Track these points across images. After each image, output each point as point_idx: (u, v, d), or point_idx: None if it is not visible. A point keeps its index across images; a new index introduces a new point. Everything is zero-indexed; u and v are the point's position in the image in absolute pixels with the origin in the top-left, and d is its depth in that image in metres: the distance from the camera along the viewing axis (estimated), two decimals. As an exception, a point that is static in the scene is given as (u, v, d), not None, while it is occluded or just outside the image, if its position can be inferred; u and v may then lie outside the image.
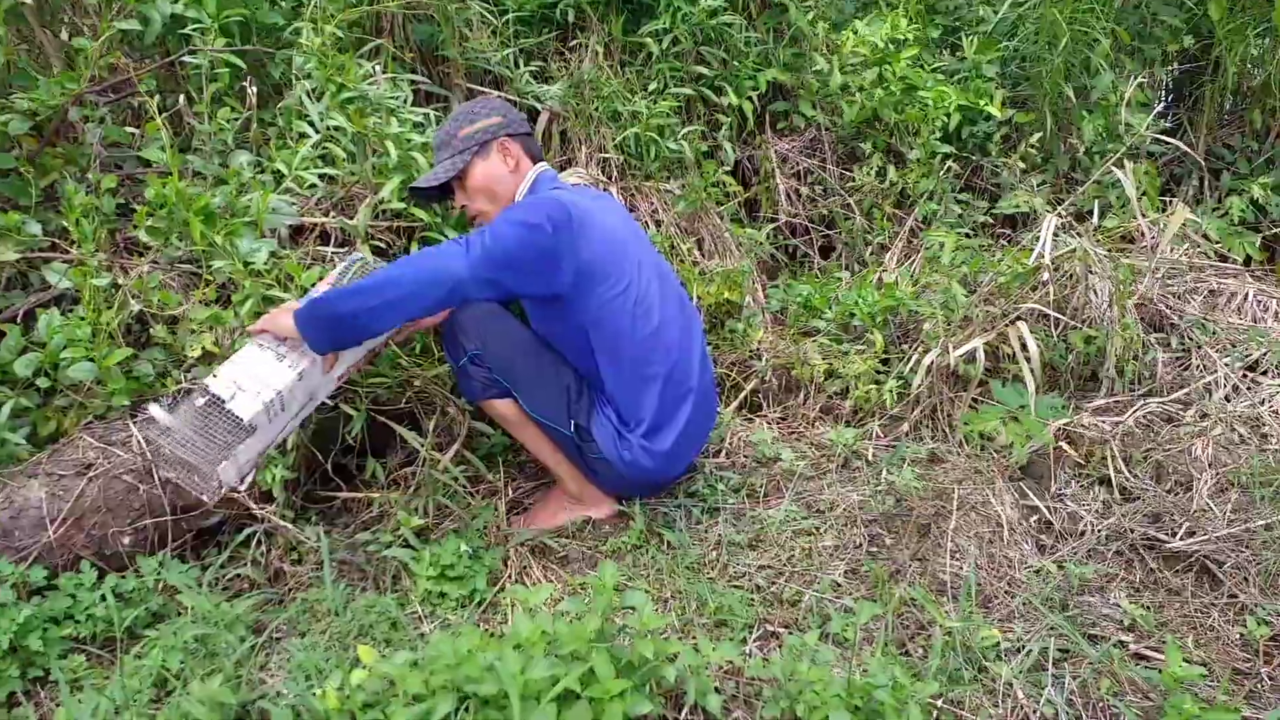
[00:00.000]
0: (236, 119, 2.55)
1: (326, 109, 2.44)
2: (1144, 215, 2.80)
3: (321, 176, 2.47)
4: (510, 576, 2.06)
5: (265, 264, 2.25)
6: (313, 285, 2.16)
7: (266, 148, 2.60)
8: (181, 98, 2.60)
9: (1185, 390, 2.73)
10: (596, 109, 3.35)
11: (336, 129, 2.44)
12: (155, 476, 2.11)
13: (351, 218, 2.43)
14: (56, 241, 2.40)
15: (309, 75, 2.57)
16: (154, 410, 1.88)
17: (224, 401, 1.89)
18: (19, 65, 2.56)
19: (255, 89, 2.58)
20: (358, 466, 2.41)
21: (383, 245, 2.44)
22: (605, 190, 3.36)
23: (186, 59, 2.61)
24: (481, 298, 2.05)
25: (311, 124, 2.45)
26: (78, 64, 2.47)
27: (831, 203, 3.44)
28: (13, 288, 2.43)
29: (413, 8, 2.99)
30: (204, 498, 1.89)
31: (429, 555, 2.01)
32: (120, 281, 2.28)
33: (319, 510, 2.33)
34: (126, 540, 2.08)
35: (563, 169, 3.46)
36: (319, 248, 2.38)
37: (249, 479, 1.97)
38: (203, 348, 2.23)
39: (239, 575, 2.12)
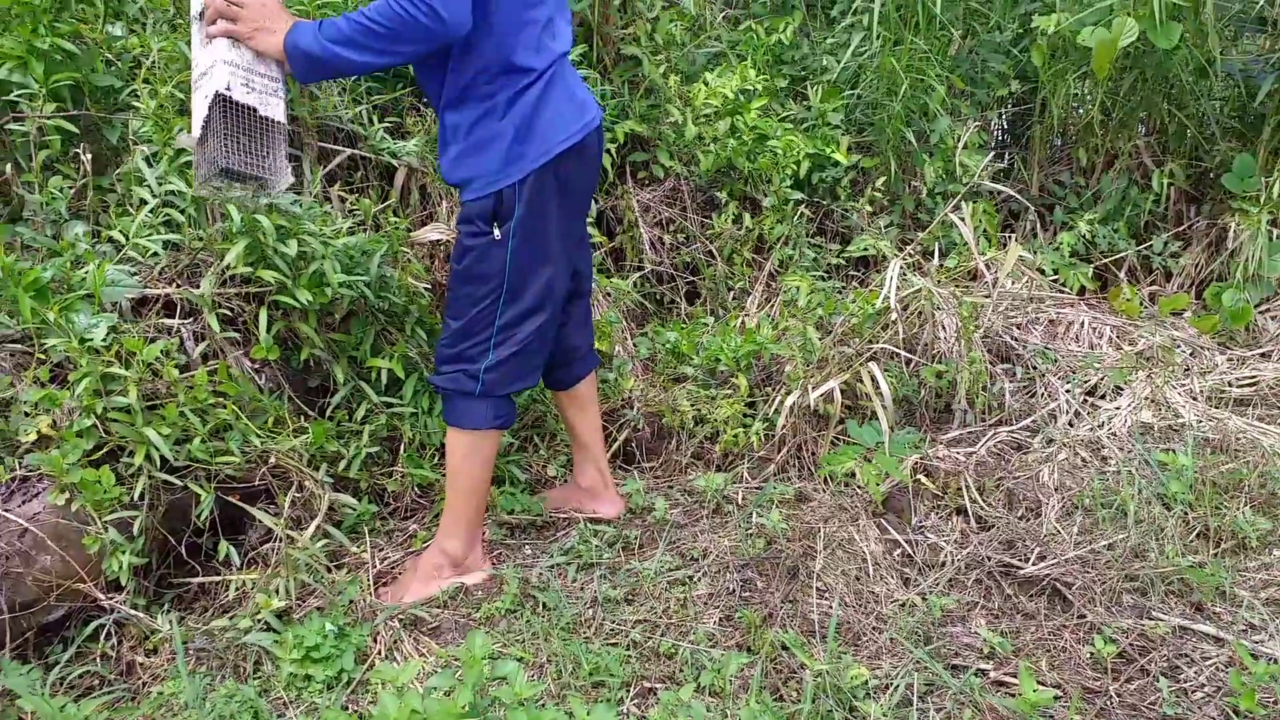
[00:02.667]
0: (71, 187, 2.44)
1: (164, 173, 2.35)
2: (982, 255, 2.95)
3: (165, 244, 2.38)
4: (380, 653, 2.00)
5: (104, 340, 2.14)
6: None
7: (106, 215, 2.49)
8: (9, 166, 2.47)
9: (1031, 418, 2.88)
10: (455, 164, 3.33)
11: (176, 194, 2.36)
12: (-14, 573, 1.97)
13: (197, 286, 2.34)
14: None
15: (148, 139, 2.48)
16: (182, 139, 1.97)
17: (257, 110, 1.94)
18: None
19: (90, 155, 2.47)
20: (214, 547, 2.30)
21: (230, 313, 2.36)
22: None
23: (12, 126, 2.48)
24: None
25: (150, 189, 2.36)
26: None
27: (694, 250, 3.50)
28: None
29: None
30: (273, 196, 2.04)
31: (292, 637, 1.93)
32: (-59, 365, 2.14)
33: (174, 596, 2.21)
34: (-44, 645, 1.93)
35: (424, 224, 3.43)
36: (163, 319, 2.28)
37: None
38: (39, 431, 2.10)
39: (87, 672, 1.99)
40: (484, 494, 2.26)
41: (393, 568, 2.34)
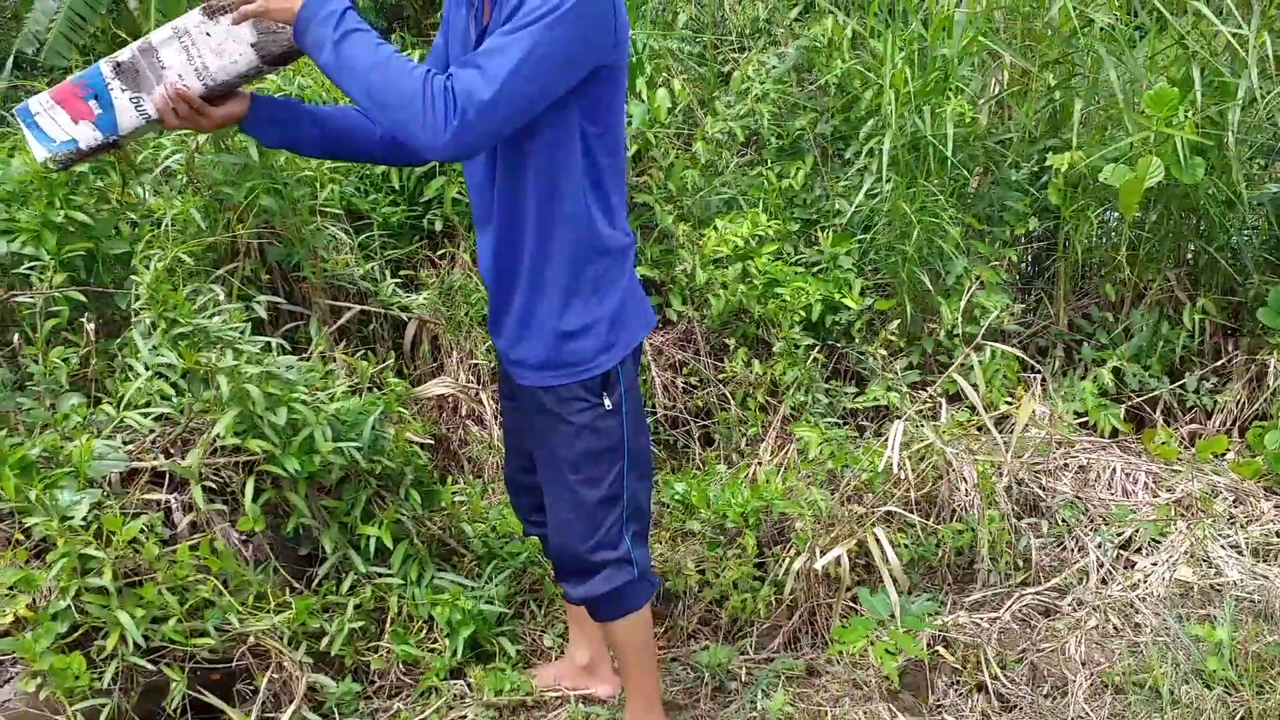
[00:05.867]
0: (77, 354, 2.46)
1: (158, 345, 2.37)
2: (993, 408, 2.84)
3: (159, 417, 2.38)
4: None
5: (85, 518, 2.11)
6: None
7: (112, 381, 2.50)
8: (16, 336, 2.51)
9: (1060, 576, 2.70)
10: (467, 315, 3.35)
11: (169, 367, 2.36)
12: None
13: (186, 456, 2.33)
14: None
15: (146, 308, 2.51)
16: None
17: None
18: None
19: (92, 325, 2.50)
20: (194, 728, 2.22)
21: (220, 483, 2.33)
22: (478, 396, 3.32)
23: (21, 298, 2.53)
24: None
25: (144, 362, 2.37)
26: (-103, 313, 2.38)
27: (708, 393, 3.44)
28: None
29: (270, 229, 2.98)
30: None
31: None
32: (-74, 545, 2.13)
33: (145, 785, 2.12)
34: None
35: (435, 374, 3.43)
36: (152, 492, 2.26)
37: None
38: (15, 614, 2.06)
39: None
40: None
41: (375, 750, 2.23)
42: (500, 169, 1.82)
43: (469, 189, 1.98)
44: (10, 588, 2.06)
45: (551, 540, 2.05)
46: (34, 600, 2.08)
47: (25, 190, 2.68)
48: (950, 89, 3.40)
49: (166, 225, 2.81)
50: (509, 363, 2.01)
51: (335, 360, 2.92)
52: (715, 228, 3.37)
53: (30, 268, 2.53)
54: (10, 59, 4.12)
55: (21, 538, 2.12)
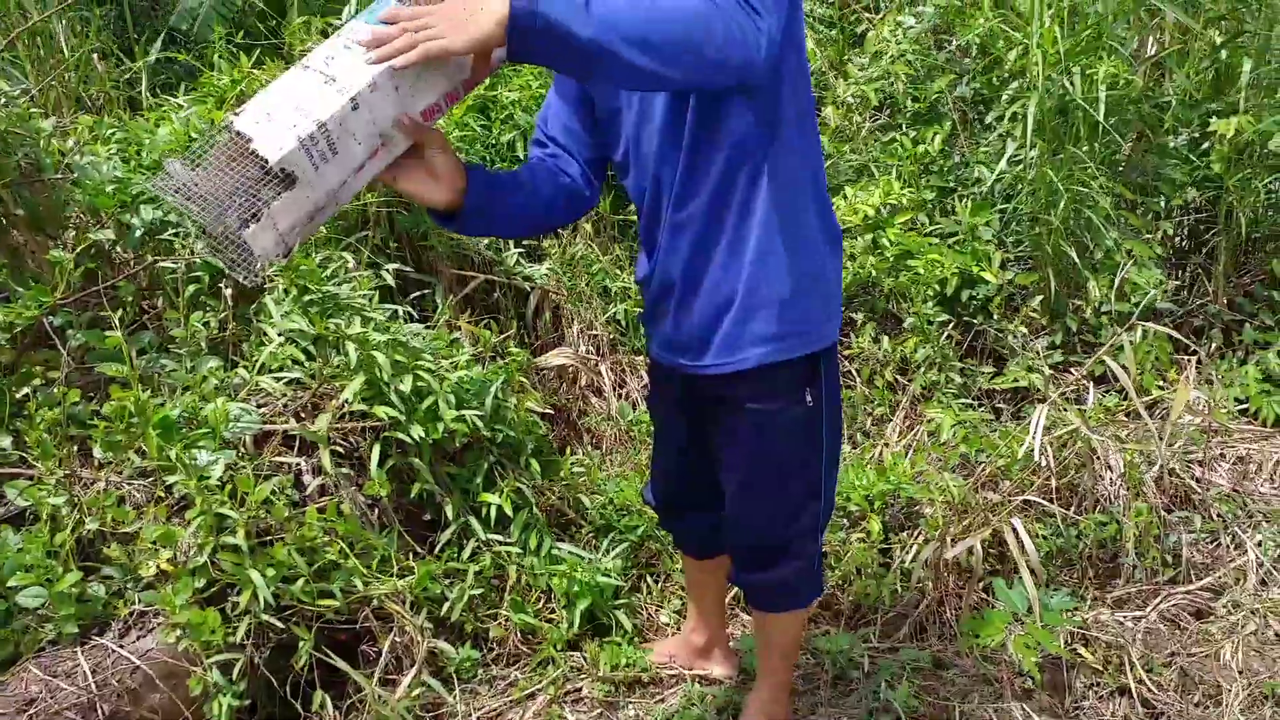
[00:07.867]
0: (214, 320, 2.54)
1: (289, 311, 2.42)
2: (1146, 394, 2.64)
3: (291, 381, 2.43)
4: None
5: (220, 478, 2.18)
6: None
7: (248, 345, 2.58)
8: (161, 300, 2.61)
9: (1213, 576, 2.52)
10: (588, 285, 3.33)
11: (300, 332, 2.41)
12: (99, 711, 2.01)
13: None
14: (25, 455, 2.36)
15: (275, 276, 2.57)
16: (172, 167, 1.36)
17: (249, 140, 1.33)
18: (-2, 280, 2.58)
19: (230, 291, 2.58)
20: (324, 684, 2.27)
21: (348, 447, 2.38)
22: (597, 367, 3.30)
23: (165, 264, 2.62)
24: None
25: (274, 327, 2.43)
26: (54, 276, 2.49)
27: (832, 370, 3.33)
28: (-16, 500, 2.40)
29: (399, 199, 3.01)
30: (242, 279, 1.41)
31: (372, 804, 1.85)
32: (78, 498, 2.23)
33: (276, 738, 2.19)
34: (63, 783, 1.96)
35: (557, 344, 3.42)
36: (276, 458, 2.32)
37: (294, 249, 1.44)
38: (158, 566, 2.15)
39: (181, 819, 1.98)
40: None
41: (494, 716, 2.25)
42: (695, 111, 1.54)
43: (636, 156, 1.66)
44: (153, 542, 2.15)
45: (741, 527, 1.87)
46: (174, 555, 2.17)
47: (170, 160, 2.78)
48: (1103, 49, 3.17)
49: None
50: (697, 360, 1.72)
51: (459, 329, 2.95)
52: (844, 196, 3.25)
53: (174, 234, 2.62)
54: (161, 35, 4.30)
55: (163, 495, 2.20)
